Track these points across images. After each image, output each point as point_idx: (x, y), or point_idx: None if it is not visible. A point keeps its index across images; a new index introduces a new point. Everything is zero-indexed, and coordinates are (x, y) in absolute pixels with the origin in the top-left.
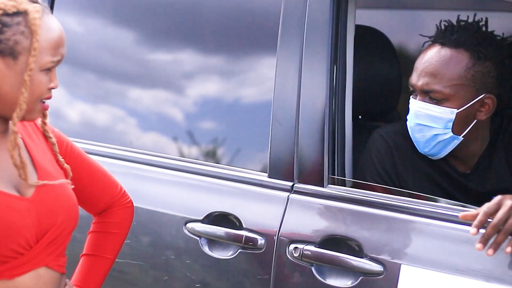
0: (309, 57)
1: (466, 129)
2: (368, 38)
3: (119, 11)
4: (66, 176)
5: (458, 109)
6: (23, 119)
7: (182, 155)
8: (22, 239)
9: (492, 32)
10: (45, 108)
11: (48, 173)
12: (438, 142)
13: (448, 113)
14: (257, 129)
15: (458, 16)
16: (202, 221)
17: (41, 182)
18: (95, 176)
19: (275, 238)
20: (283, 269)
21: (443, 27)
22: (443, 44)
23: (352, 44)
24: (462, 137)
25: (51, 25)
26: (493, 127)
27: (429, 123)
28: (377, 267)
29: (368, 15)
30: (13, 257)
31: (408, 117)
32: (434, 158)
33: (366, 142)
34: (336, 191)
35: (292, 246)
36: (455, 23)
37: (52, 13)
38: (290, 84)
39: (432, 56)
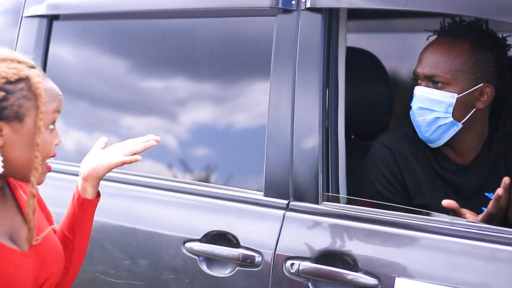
0: (301, 79)
1: (465, 117)
2: (360, 59)
3: (111, 39)
4: (50, 220)
5: (458, 94)
6: (26, 180)
7: (180, 177)
8: None
9: (491, 29)
10: (49, 170)
11: (39, 224)
12: (439, 126)
13: (449, 98)
14: (252, 151)
15: (460, 16)
16: (200, 240)
17: (39, 239)
18: None
19: (272, 255)
20: (280, 285)
21: (446, 23)
22: (445, 36)
23: (343, 66)
24: (461, 124)
25: (50, 86)
26: (491, 125)
27: (431, 107)
28: (372, 281)
29: (359, 38)
30: None
31: (411, 103)
32: (433, 145)
33: (359, 160)
34: (331, 208)
35: (288, 263)
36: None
37: (49, 44)
38: (284, 106)
39: (436, 46)
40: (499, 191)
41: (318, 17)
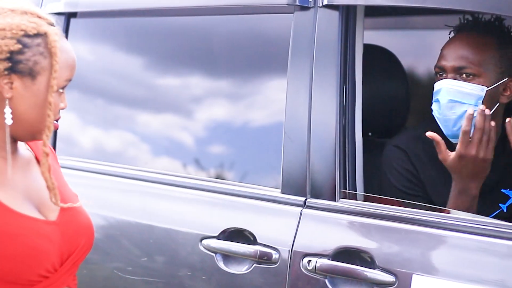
0: (319, 76)
1: (491, 111)
2: (377, 57)
3: (128, 37)
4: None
5: (488, 87)
6: (33, 139)
7: (196, 174)
8: (49, 264)
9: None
10: (56, 127)
11: (67, 194)
12: None
13: (479, 90)
14: (269, 148)
15: (478, 13)
16: (217, 237)
17: (69, 205)
18: None
19: (289, 252)
20: (297, 282)
21: (466, 20)
22: (469, 31)
23: (360, 63)
24: None
25: (67, 48)
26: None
27: (461, 99)
28: (389, 278)
29: (376, 35)
30: (38, 281)
31: (437, 97)
32: (455, 141)
33: (376, 157)
34: (348, 205)
35: (306, 260)
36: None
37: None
38: (301, 103)
39: (461, 41)
40: (470, 109)
41: (335, 14)
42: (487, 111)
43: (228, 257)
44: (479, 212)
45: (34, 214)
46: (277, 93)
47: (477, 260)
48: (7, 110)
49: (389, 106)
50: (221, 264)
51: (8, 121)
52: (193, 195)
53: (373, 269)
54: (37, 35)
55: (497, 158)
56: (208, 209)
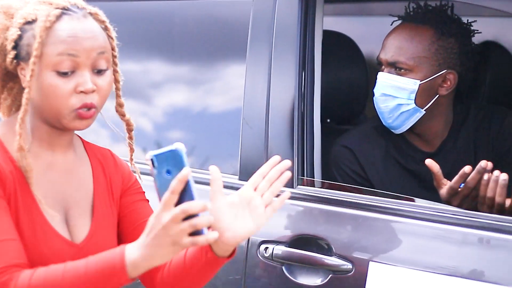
0: (278, 62)
1: (428, 103)
2: (336, 43)
3: None
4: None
5: (421, 81)
6: (60, 125)
7: None
8: None
9: (456, 14)
10: (81, 116)
11: (105, 213)
12: (401, 113)
13: (412, 84)
14: (228, 134)
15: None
16: None
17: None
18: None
19: (246, 239)
20: (254, 270)
21: (411, 8)
22: (410, 21)
23: (320, 49)
24: (424, 110)
25: (64, 27)
26: (461, 114)
27: (393, 93)
28: (346, 265)
29: (336, 21)
30: None
31: (374, 90)
32: (396, 131)
33: (333, 143)
34: (306, 192)
35: (263, 247)
36: (422, 6)
37: None
38: (259, 88)
39: (399, 32)
40: (467, 168)
41: (295, 0)
42: (490, 166)
43: None
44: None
45: (61, 228)
46: (236, 79)
47: (433, 247)
48: (24, 100)
49: (348, 93)
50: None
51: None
52: (150, 181)
53: (330, 256)
54: (34, 20)
55: (448, 153)
56: None
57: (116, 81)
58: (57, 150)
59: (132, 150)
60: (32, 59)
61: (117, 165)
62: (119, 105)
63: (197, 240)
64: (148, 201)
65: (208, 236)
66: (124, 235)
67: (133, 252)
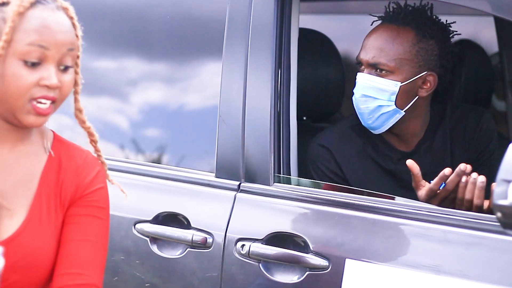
0: (254, 59)
1: (408, 104)
2: (312, 41)
3: None
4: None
5: (402, 83)
6: (14, 119)
7: (131, 158)
8: None
9: (436, 16)
10: (36, 110)
11: (43, 215)
12: (382, 114)
13: (392, 86)
14: (204, 132)
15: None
16: (151, 222)
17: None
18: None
19: (223, 236)
20: (231, 267)
21: (391, 9)
22: (390, 22)
23: (296, 47)
24: (404, 111)
25: (39, 15)
26: (438, 114)
27: (374, 95)
28: (322, 262)
29: (312, 19)
30: None
31: (354, 90)
32: (375, 132)
33: (310, 142)
34: (282, 189)
35: (239, 244)
36: (402, 6)
37: None
38: (236, 86)
39: (380, 33)
40: (446, 170)
41: None
42: (469, 169)
43: (162, 241)
44: None
45: None
46: (212, 76)
47: (412, 245)
48: None
49: (324, 91)
50: (154, 249)
51: None
52: (127, 179)
53: (307, 253)
54: (4, 3)
55: (424, 152)
56: (142, 193)
57: (76, 83)
58: (4, 145)
59: (104, 164)
60: (0, 44)
61: (79, 171)
62: (79, 111)
63: None
64: (101, 219)
65: None
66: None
67: None
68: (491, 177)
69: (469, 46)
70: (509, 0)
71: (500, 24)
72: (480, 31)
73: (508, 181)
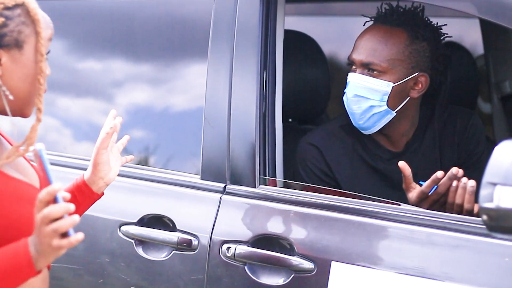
0: (239, 61)
1: (399, 105)
2: (298, 43)
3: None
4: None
5: (394, 83)
6: (20, 114)
7: None
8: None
9: (427, 17)
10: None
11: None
12: (373, 114)
13: (385, 86)
14: (189, 133)
15: (398, 1)
16: (136, 224)
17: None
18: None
19: (209, 238)
20: (216, 269)
21: (383, 10)
22: (383, 23)
23: (281, 49)
24: (395, 112)
25: (43, 13)
26: (426, 115)
27: (366, 95)
28: (308, 265)
29: (297, 21)
30: None
31: (345, 90)
32: (366, 132)
33: (296, 143)
34: (268, 191)
35: (225, 246)
36: (394, 7)
37: None
38: (221, 88)
39: (374, 33)
40: (439, 173)
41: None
42: (460, 173)
43: (147, 243)
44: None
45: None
46: (197, 78)
47: (397, 247)
48: (4, 87)
49: (310, 93)
50: (140, 251)
51: (10, 96)
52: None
53: (292, 256)
54: (16, 6)
55: (414, 152)
56: (127, 195)
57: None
58: None
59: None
60: (41, 44)
61: None
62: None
63: (62, 244)
64: None
65: (72, 239)
66: None
67: (32, 247)
68: (480, 180)
69: (455, 48)
70: (494, 2)
71: (486, 27)
72: (465, 33)
73: (494, 184)
